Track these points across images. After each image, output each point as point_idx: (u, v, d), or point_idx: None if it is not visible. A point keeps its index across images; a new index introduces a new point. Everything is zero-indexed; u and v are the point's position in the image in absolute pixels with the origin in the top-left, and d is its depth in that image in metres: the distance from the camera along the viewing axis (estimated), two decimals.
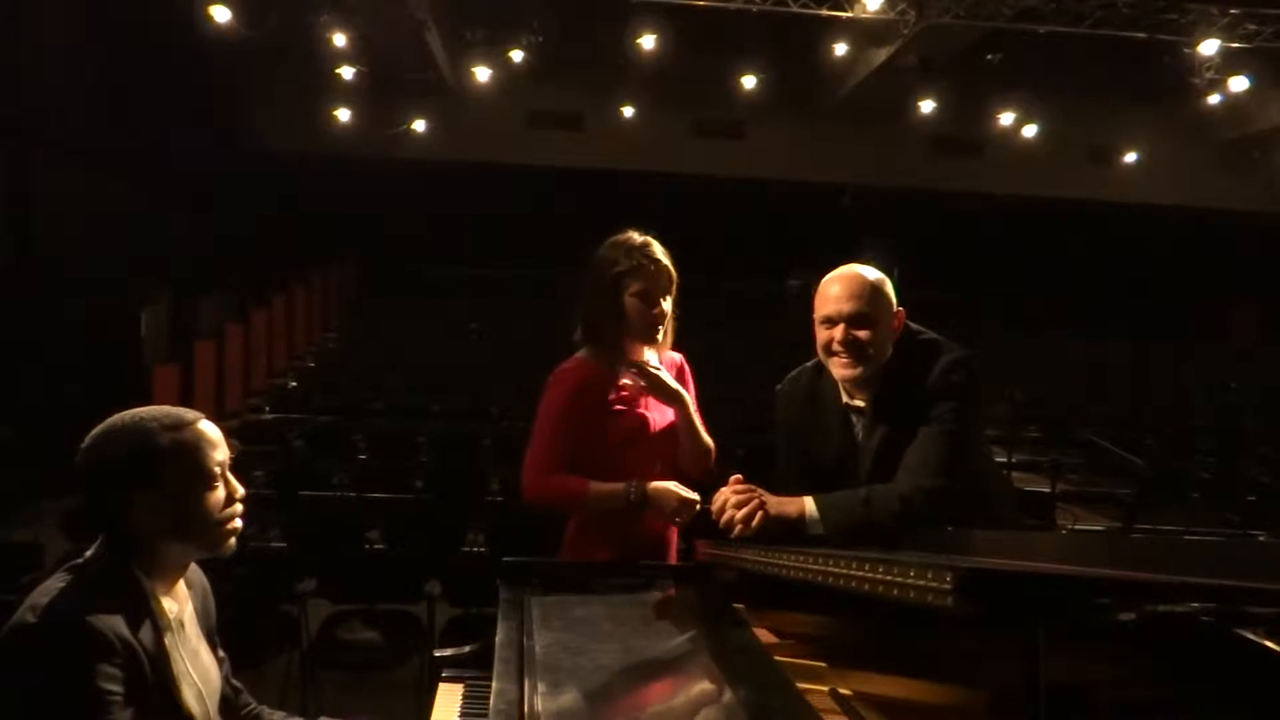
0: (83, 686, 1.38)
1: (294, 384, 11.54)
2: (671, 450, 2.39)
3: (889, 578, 1.05)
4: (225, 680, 1.75)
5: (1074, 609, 0.93)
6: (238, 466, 5.23)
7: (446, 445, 8.41)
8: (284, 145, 13.62)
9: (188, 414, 1.60)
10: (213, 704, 1.64)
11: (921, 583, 0.96)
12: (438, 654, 2.12)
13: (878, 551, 1.38)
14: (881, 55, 11.93)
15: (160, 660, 1.51)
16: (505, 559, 2.24)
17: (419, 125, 13.92)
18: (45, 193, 8.96)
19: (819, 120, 14.91)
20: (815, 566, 1.34)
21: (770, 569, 1.65)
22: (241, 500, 1.63)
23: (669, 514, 2.26)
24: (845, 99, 13.98)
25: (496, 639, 1.82)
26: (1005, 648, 1.53)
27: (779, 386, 2.35)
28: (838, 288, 2.14)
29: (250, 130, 13.83)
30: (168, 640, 1.54)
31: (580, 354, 2.36)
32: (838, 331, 2.11)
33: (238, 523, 1.63)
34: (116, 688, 1.41)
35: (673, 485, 2.25)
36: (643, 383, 2.32)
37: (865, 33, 11.30)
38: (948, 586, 0.91)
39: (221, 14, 9.45)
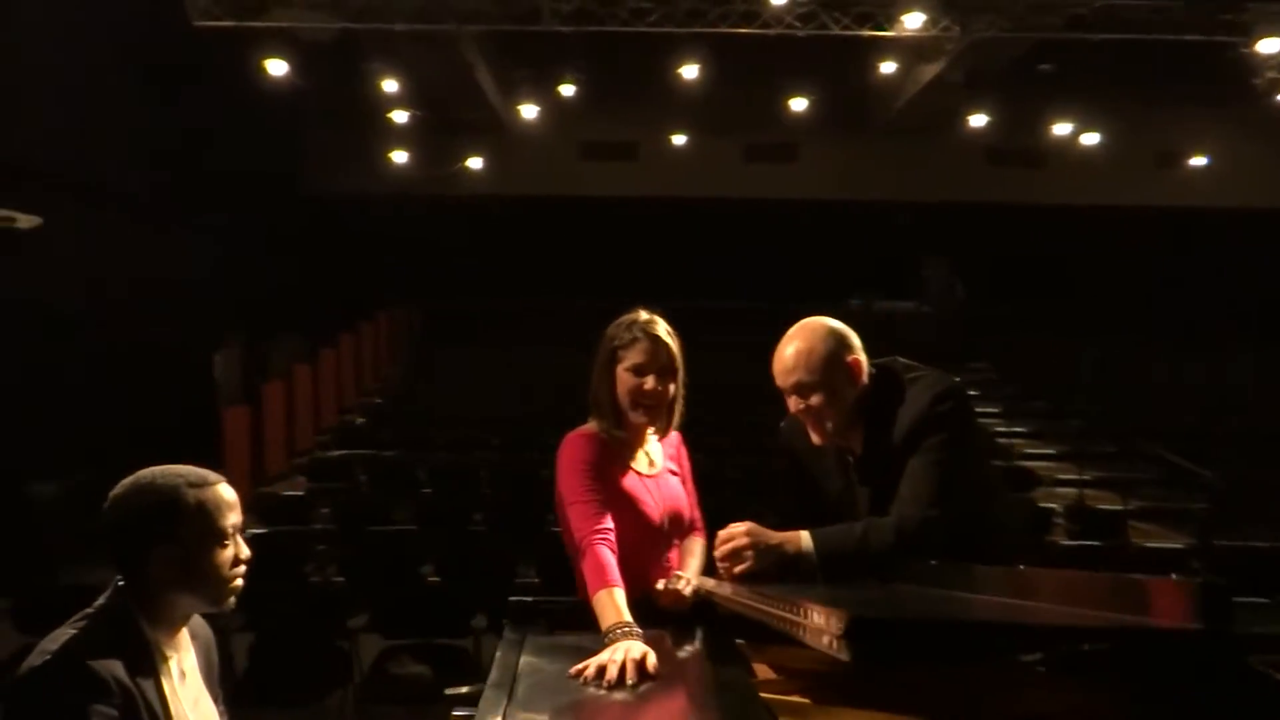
0: None
1: (361, 421, 11.82)
2: (664, 532, 2.35)
3: (796, 618, 1.09)
4: None
5: (957, 653, 0.95)
6: (307, 503, 5.41)
7: (505, 480, 8.53)
8: (346, 189, 14.04)
9: (211, 476, 1.74)
10: None
11: (809, 623, 0.99)
12: (449, 692, 2.19)
13: (833, 589, 1.41)
14: (930, 71, 11.87)
15: (158, 706, 1.61)
16: (511, 599, 2.30)
17: (474, 163, 14.23)
18: (117, 244, 9.38)
19: (871, 139, 14.86)
20: (748, 602, 1.37)
21: (729, 605, 1.69)
22: (245, 562, 1.76)
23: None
24: (896, 116, 13.92)
25: (489, 680, 1.88)
26: (991, 682, 1.55)
27: (782, 424, 2.38)
28: (776, 361, 2.18)
29: (313, 175, 14.29)
30: (166, 687, 1.64)
31: (588, 424, 2.40)
32: (790, 402, 2.17)
33: (239, 581, 1.76)
34: None
35: (650, 657, 1.90)
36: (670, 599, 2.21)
37: (912, 50, 11.25)
38: (837, 631, 0.95)
39: (278, 67, 9.83)
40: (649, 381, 2.26)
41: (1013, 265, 15.19)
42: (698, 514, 2.47)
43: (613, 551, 2.13)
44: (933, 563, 1.91)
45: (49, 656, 1.55)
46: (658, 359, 2.27)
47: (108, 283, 9.15)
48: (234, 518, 1.73)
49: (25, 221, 7.74)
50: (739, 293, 14.00)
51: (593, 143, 15.10)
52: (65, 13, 8.58)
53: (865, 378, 2.18)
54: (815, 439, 2.18)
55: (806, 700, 1.79)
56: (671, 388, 2.31)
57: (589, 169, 15.19)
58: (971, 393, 12.62)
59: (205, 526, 1.68)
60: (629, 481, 2.32)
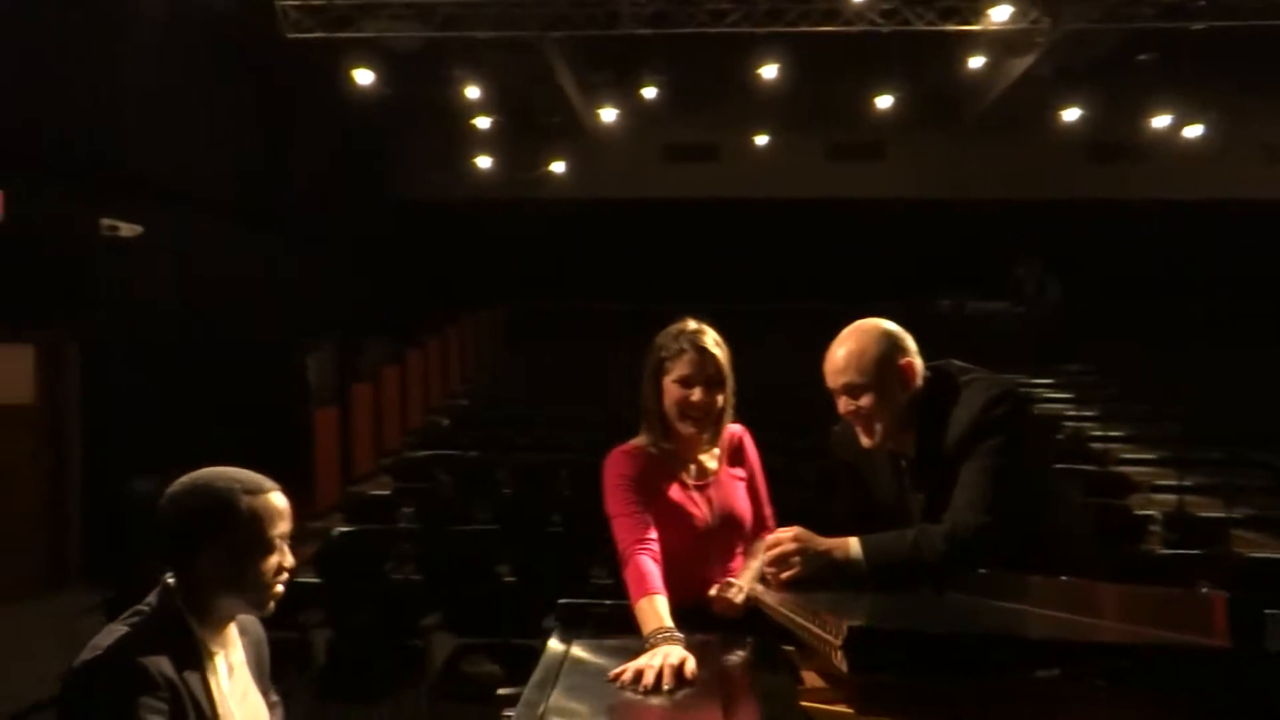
0: (127, 715, 1.54)
1: (445, 422, 12.03)
2: (717, 539, 2.34)
3: (808, 625, 1.06)
4: None
5: (959, 667, 0.91)
6: (392, 503, 5.51)
7: (584, 481, 8.56)
8: (432, 194, 14.33)
9: (266, 483, 1.78)
10: None
11: (823, 633, 0.96)
12: (501, 692, 2.20)
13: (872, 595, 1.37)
14: (1020, 65, 11.53)
15: (204, 701, 1.66)
16: (561, 600, 2.30)
17: (557, 167, 14.36)
18: (214, 250, 9.74)
19: (961, 136, 14.51)
20: (784, 612, 1.34)
21: (773, 615, 1.65)
22: (289, 570, 1.80)
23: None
24: (987, 112, 13.56)
25: (530, 681, 1.88)
26: (1046, 698, 1.49)
27: (834, 428, 2.34)
28: (826, 362, 2.15)
29: (400, 181, 14.63)
30: (213, 682, 1.69)
31: (638, 437, 2.39)
32: (840, 404, 2.13)
33: (280, 588, 1.79)
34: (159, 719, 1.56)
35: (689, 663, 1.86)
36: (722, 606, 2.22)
37: (1001, 43, 10.95)
38: (837, 641, 0.92)
39: (365, 76, 10.10)
40: (696, 393, 2.25)
41: (1110, 263, 14.66)
42: (768, 510, 2.45)
43: (655, 561, 2.13)
44: (982, 572, 1.84)
45: (100, 652, 1.60)
46: (705, 370, 2.26)
47: (205, 287, 9.50)
48: (283, 526, 1.77)
49: (128, 230, 8.10)
50: (824, 294, 13.82)
51: (675, 145, 15.11)
52: (163, 28, 8.95)
53: (918, 380, 2.13)
54: (864, 442, 2.14)
55: (850, 710, 1.75)
56: (719, 399, 2.29)
57: (671, 171, 15.19)
58: (1067, 395, 12.30)
59: (254, 533, 1.72)
60: (675, 492, 2.31)
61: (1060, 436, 10.17)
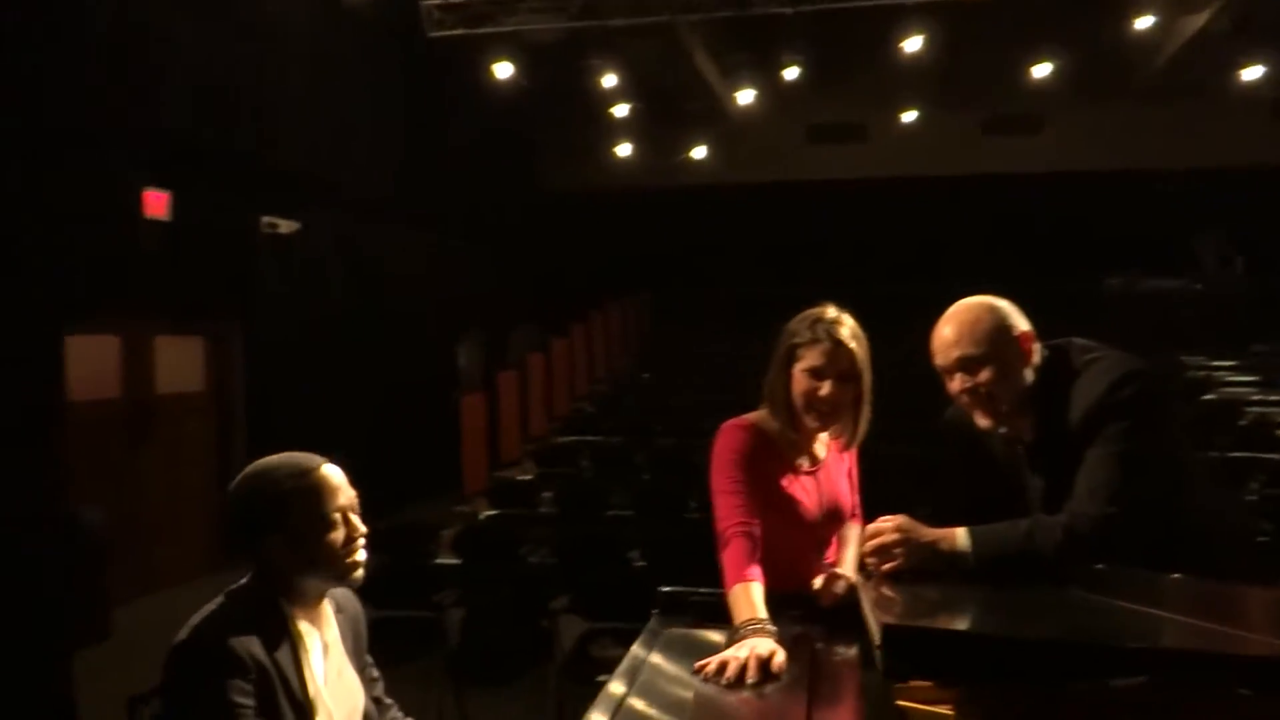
0: (218, 699, 1.58)
1: (590, 409, 12.18)
2: (821, 529, 2.25)
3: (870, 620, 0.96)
4: (372, 698, 1.90)
5: (1002, 672, 0.80)
6: (535, 488, 5.60)
7: None
8: (575, 184, 14.51)
9: (311, 462, 1.79)
10: (352, 719, 1.80)
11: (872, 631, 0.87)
12: (600, 680, 2.17)
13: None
14: (1194, 23, 10.68)
15: (295, 680, 1.69)
16: (661, 588, 2.25)
17: (699, 152, 14.27)
18: (368, 243, 10.15)
19: (1128, 103, 13.58)
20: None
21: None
22: (363, 536, 1.79)
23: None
24: (1158, 76, 12.64)
25: (618, 667, 1.84)
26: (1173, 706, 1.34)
27: (946, 414, 2.19)
28: (935, 339, 2.00)
29: (545, 172, 14.88)
30: (305, 661, 1.72)
31: (757, 412, 2.30)
32: (955, 382, 1.97)
33: (360, 556, 1.79)
34: (248, 701, 1.60)
35: (777, 656, 1.78)
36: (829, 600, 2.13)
37: (1171, 0, 10.17)
38: (877, 641, 0.82)
39: (504, 69, 10.29)
40: (825, 386, 2.12)
41: None
42: (856, 499, 2.36)
43: (755, 545, 2.03)
44: (1107, 568, 1.68)
45: (190, 634, 1.65)
46: (837, 363, 2.12)
47: (360, 279, 9.91)
48: (339, 500, 1.77)
49: (286, 226, 8.52)
50: (981, 275, 13.18)
51: (819, 125, 14.78)
52: (315, 32, 9.37)
53: (1036, 356, 1.97)
54: (981, 422, 1.98)
55: (949, 711, 1.64)
56: (851, 394, 2.15)
57: (816, 152, 14.87)
58: (1251, 379, 11.36)
59: (310, 513, 1.73)
60: (786, 477, 2.21)
61: (1243, 423, 9.40)
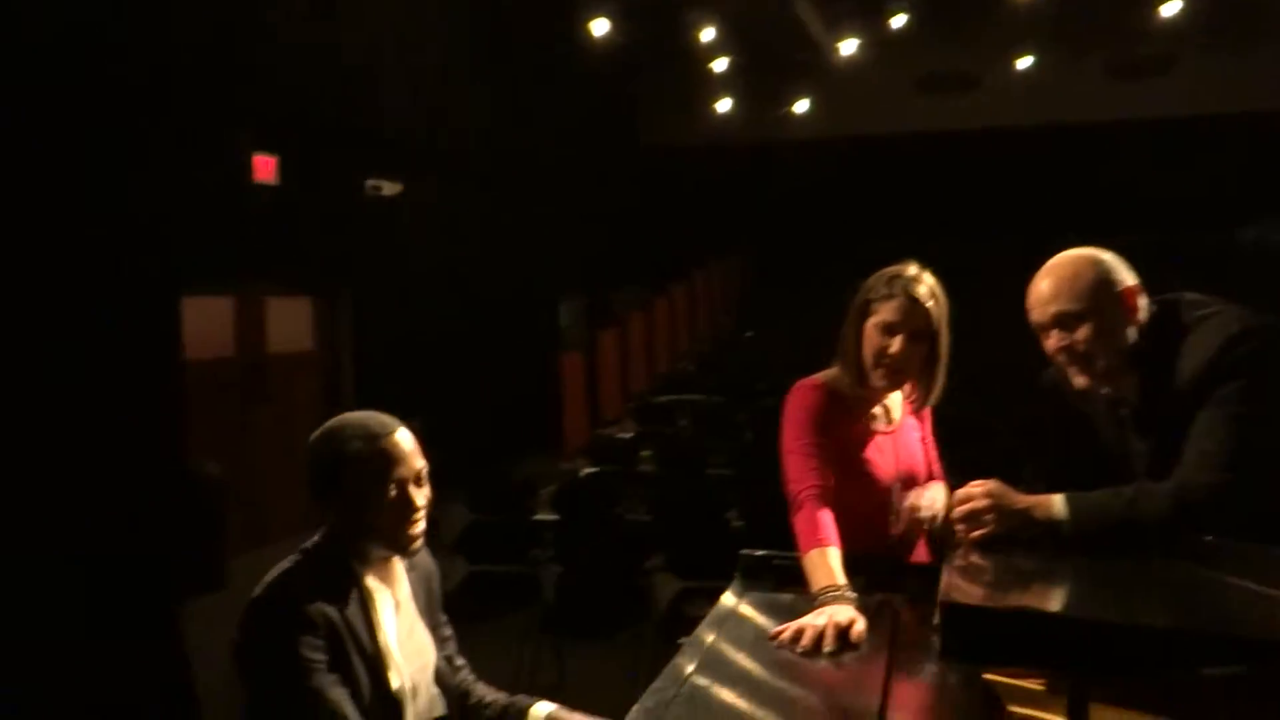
0: (290, 654, 1.60)
1: (691, 367, 12.14)
2: (896, 492, 2.17)
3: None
4: (443, 656, 1.90)
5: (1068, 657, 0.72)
6: (634, 446, 5.59)
7: None
8: (677, 140, 14.35)
9: (383, 427, 1.75)
10: (422, 676, 1.80)
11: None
12: (681, 641, 2.14)
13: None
14: None
15: (366, 638, 1.70)
16: (742, 551, 2.20)
17: (801, 106, 13.94)
18: (470, 203, 10.25)
19: (1262, 42, 12.65)
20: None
21: None
22: (422, 510, 1.76)
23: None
24: None
25: (694, 631, 1.81)
26: None
27: (1044, 372, 2.06)
28: (1031, 293, 1.87)
29: (647, 129, 14.76)
30: (375, 619, 1.72)
31: (828, 371, 2.23)
32: (1050, 340, 1.84)
33: (417, 529, 1.77)
34: (319, 656, 1.62)
35: (857, 624, 1.72)
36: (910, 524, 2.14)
37: None
38: (936, 621, 0.75)
39: (601, 26, 10.19)
40: (896, 343, 2.06)
41: None
42: (938, 467, 2.28)
43: (829, 508, 1.97)
44: (1211, 540, 1.55)
45: (264, 592, 1.67)
46: (911, 320, 2.05)
47: (462, 239, 10.03)
48: (401, 470, 1.73)
49: (389, 188, 8.67)
50: (1103, 229, 12.62)
51: (928, 74, 14.25)
52: None
53: (1142, 313, 1.82)
54: (1078, 382, 1.85)
55: (1040, 686, 1.55)
56: (922, 353, 2.08)
57: (925, 103, 14.36)
58: None
59: (369, 479, 1.71)
60: (860, 437, 2.15)
61: None
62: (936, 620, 0.78)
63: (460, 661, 1.97)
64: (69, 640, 2.66)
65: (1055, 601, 1.29)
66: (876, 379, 2.10)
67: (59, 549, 2.89)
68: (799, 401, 2.15)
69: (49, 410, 4.87)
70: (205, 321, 6.86)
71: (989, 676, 1.58)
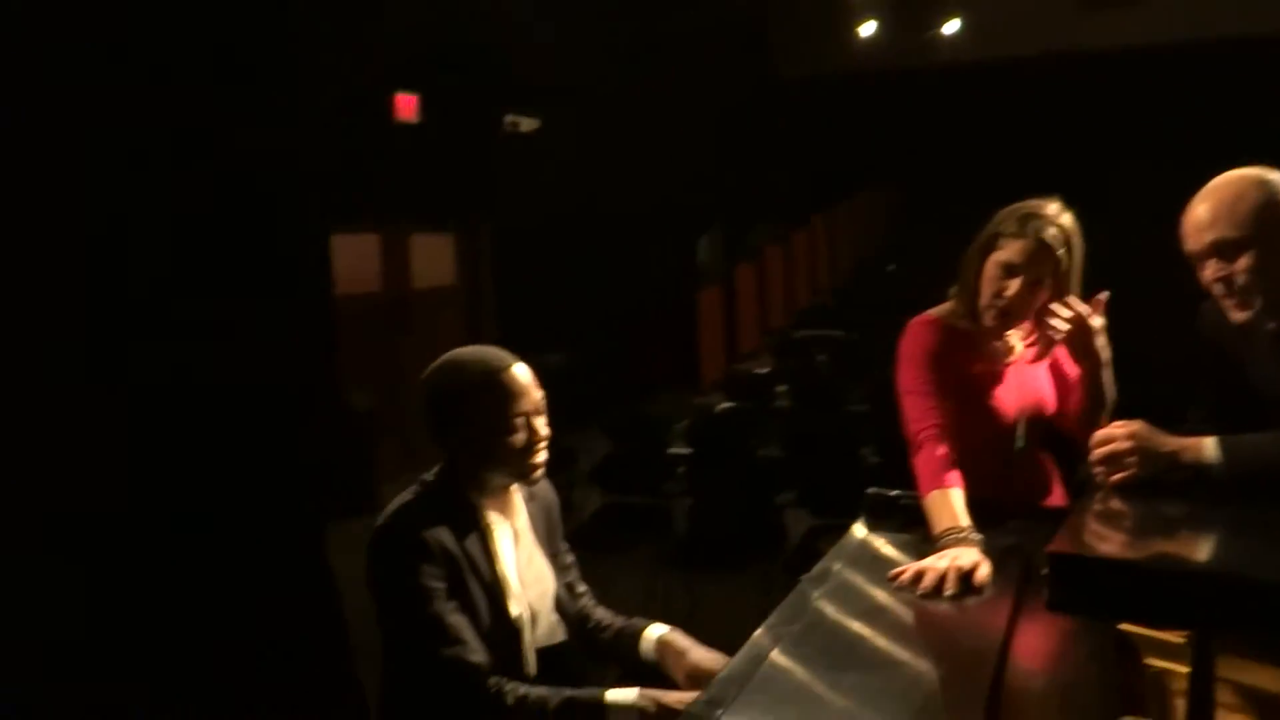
0: (410, 582, 1.67)
1: (829, 303, 11.91)
2: (1020, 428, 2.07)
3: None
4: (564, 584, 1.94)
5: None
6: (770, 380, 5.59)
7: None
8: (818, 67, 13.89)
9: (501, 361, 1.80)
10: (542, 604, 1.85)
11: None
12: (803, 578, 2.13)
13: None
14: None
15: (485, 567, 1.75)
16: (869, 490, 2.16)
17: (951, 26, 13.23)
18: (607, 138, 10.21)
19: None
20: None
21: None
22: (545, 440, 1.80)
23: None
24: None
25: (813, 569, 1.80)
26: None
27: (1202, 304, 1.92)
28: (1187, 219, 1.71)
29: (785, 57, 14.33)
30: (494, 549, 1.78)
31: (945, 305, 2.13)
32: (1207, 269, 1.70)
33: (540, 458, 1.81)
34: (439, 584, 1.69)
35: (982, 569, 1.67)
36: (1057, 331, 1.99)
37: None
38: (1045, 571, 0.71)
39: None
40: (1014, 285, 1.97)
41: None
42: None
43: (950, 448, 1.90)
44: None
45: (385, 521, 1.75)
46: (1035, 266, 1.95)
47: (600, 173, 10.06)
48: (522, 404, 1.76)
49: (527, 125, 8.76)
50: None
51: None
52: None
53: None
54: (1235, 316, 1.71)
55: (1182, 639, 1.46)
56: (1040, 299, 1.98)
57: (1088, 20, 13.37)
58: None
59: (491, 412, 1.75)
60: (979, 371, 2.07)
61: None
62: (1044, 570, 0.73)
63: (582, 588, 2.01)
64: (231, 560, 2.86)
65: (1198, 552, 1.20)
66: (988, 318, 2.02)
67: (225, 473, 3.11)
68: (915, 338, 2.08)
69: (218, 340, 5.17)
70: (354, 258, 7.14)
71: (1125, 628, 1.51)
